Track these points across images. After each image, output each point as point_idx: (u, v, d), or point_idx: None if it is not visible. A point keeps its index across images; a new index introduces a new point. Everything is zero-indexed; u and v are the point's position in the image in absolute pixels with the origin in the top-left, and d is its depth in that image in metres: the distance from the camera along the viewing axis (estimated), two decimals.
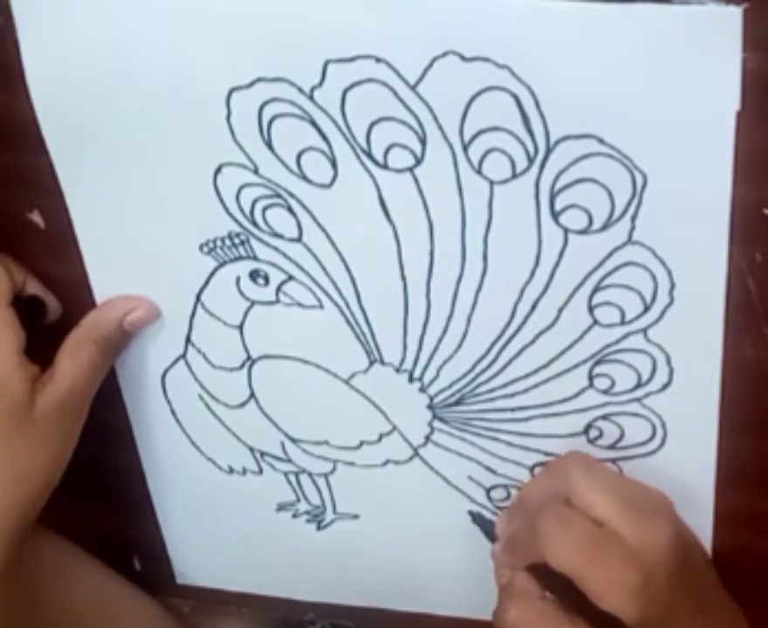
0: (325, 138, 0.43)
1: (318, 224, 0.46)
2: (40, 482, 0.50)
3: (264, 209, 0.46)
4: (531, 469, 0.52)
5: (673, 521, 0.46)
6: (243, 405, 0.54)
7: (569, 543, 0.45)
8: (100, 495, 0.60)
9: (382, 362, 0.50)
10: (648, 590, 0.44)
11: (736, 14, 0.36)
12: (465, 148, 0.42)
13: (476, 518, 0.53)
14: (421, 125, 0.42)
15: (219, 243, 0.48)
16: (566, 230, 0.43)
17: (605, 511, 0.45)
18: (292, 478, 0.56)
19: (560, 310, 0.46)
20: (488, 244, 0.45)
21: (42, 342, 0.50)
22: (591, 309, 0.45)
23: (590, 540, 0.45)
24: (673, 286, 0.44)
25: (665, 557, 0.45)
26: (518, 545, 0.48)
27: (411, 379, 0.50)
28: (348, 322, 0.49)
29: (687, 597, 0.46)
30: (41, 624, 0.55)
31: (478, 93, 0.40)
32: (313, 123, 0.43)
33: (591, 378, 0.48)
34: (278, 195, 0.46)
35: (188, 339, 0.52)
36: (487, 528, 0.51)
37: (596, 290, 0.45)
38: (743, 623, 0.50)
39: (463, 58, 0.40)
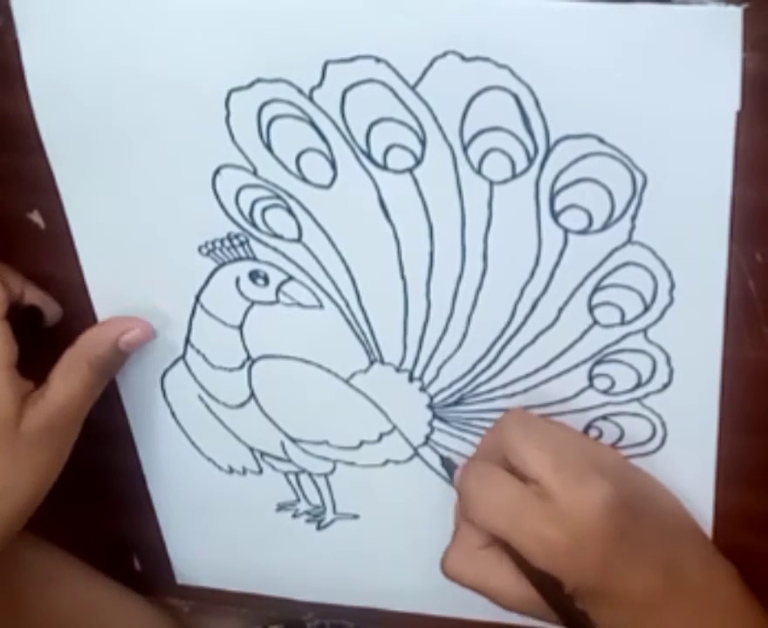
0: (324, 139, 0.43)
1: (318, 225, 0.46)
2: (24, 498, 0.49)
3: (264, 210, 0.46)
4: None
5: (615, 480, 0.45)
6: (242, 405, 0.54)
7: (490, 503, 0.45)
8: (100, 496, 0.60)
9: (382, 362, 0.50)
10: (580, 553, 0.43)
11: (736, 14, 0.36)
12: (465, 148, 0.42)
13: (446, 463, 0.52)
14: (420, 125, 0.42)
15: (218, 244, 0.48)
16: (566, 230, 0.43)
17: (537, 469, 0.44)
18: (292, 478, 0.56)
19: (560, 310, 0.46)
20: (488, 244, 0.45)
21: (41, 343, 0.50)
22: (591, 309, 0.45)
23: (511, 500, 0.44)
24: (673, 286, 0.44)
25: (597, 518, 0.44)
26: (458, 499, 0.48)
27: (411, 379, 0.50)
28: (348, 322, 0.49)
29: (635, 560, 0.45)
30: None
31: (478, 93, 0.40)
32: (313, 124, 0.43)
33: (591, 378, 0.48)
34: (278, 196, 0.46)
35: (187, 340, 0.52)
36: (452, 474, 0.51)
37: (596, 290, 0.45)
38: (734, 587, 0.49)
39: (463, 58, 0.40)
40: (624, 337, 0.46)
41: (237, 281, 0.49)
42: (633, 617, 0.45)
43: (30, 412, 0.48)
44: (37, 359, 0.50)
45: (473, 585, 0.48)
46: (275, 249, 0.48)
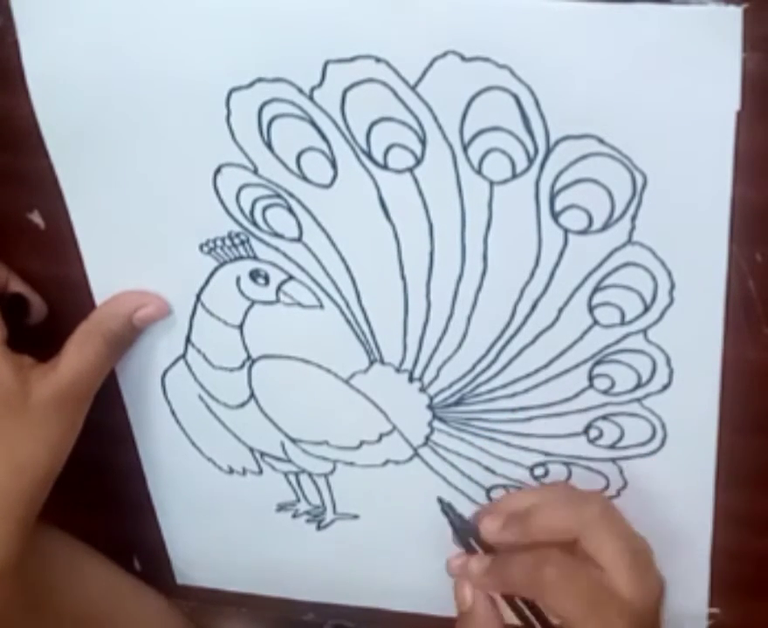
0: (324, 138, 0.43)
1: (318, 224, 0.46)
2: (41, 472, 0.50)
3: (264, 209, 0.46)
4: (531, 469, 0.52)
5: (659, 576, 0.48)
6: (243, 405, 0.54)
7: (573, 595, 0.46)
8: (100, 495, 0.60)
9: (382, 362, 0.50)
10: None
11: (736, 14, 0.36)
12: (465, 148, 0.42)
13: (446, 508, 0.52)
14: (421, 125, 0.42)
15: (219, 243, 0.48)
16: (566, 230, 0.43)
17: (611, 562, 0.46)
18: (292, 478, 0.56)
19: (560, 311, 0.46)
20: (488, 244, 0.45)
21: (39, 342, 0.50)
22: (591, 309, 0.45)
23: (592, 591, 0.46)
24: (673, 286, 0.44)
25: (653, 614, 0.47)
26: (509, 574, 0.48)
27: (411, 379, 0.50)
28: (348, 322, 0.49)
29: None
30: (53, 621, 0.55)
31: (478, 93, 0.40)
32: (313, 123, 0.43)
33: (591, 378, 0.48)
34: (278, 195, 0.46)
35: (188, 339, 0.52)
36: (456, 523, 0.51)
37: (596, 290, 0.45)
38: None
39: (463, 58, 0.40)
40: (624, 337, 0.46)
41: (238, 280, 0.49)
42: None
43: (40, 384, 0.49)
44: (38, 360, 0.50)
45: None
46: (275, 249, 0.48)
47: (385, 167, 0.43)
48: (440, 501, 0.52)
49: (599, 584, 0.46)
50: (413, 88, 0.41)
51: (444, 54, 0.40)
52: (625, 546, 0.47)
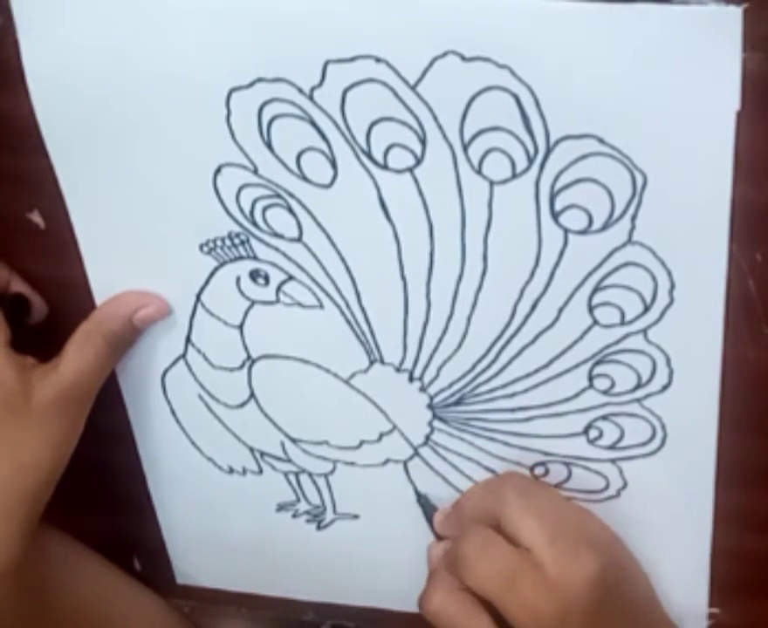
0: (324, 138, 0.43)
1: (318, 224, 0.46)
2: (44, 473, 0.50)
3: (264, 209, 0.46)
4: (531, 469, 0.52)
5: (604, 556, 0.47)
6: (243, 405, 0.54)
7: (486, 568, 0.46)
8: (100, 495, 0.60)
9: (382, 362, 0.50)
10: (563, 623, 0.45)
11: (736, 14, 0.36)
12: (465, 148, 0.42)
13: (422, 500, 0.53)
14: (421, 125, 0.42)
15: (219, 243, 0.48)
16: (566, 230, 0.43)
17: (531, 539, 0.46)
18: (292, 478, 0.56)
19: (560, 310, 0.46)
20: (488, 244, 0.45)
21: (39, 342, 0.50)
22: (591, 309, 0.45)
23: (507, 566, 0.46)
24: (673, 286, 0.44)
25: (583, 593, 0.45)
26: (441, 556, 0.51)
27: (411, 379, 0.50)
28: (348, 322, 0.49)
29: None
30: (53, 622, 0.55)
31: (478, 93, 0.40)
32: (313, 123, 0.43)
33: (591, 378, 0.48)
34: (278, 195, 0.46)
35: (188, 339, 0.52)
36: (429, 513, 0.53)
37: (596, 290, 0.45)
38: None
39: (463, 58, 0.40)
40: (624, 337, 0.46)
41: (238, 280, 0.49)
42: None
43: (42, 384, 0.49)
44: (37, 360, 0.50)
45: (450, 626, 0.49)
46: (275, 249, 0.48)
47: (385, 167, 0.43)
48: (416, 493, 0.54)
49: (518, 561, 0.46)
50: (413, 88, 0.41)
51: (444, 54, 0.40)
52: (543, 522, 0.46)
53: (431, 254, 0.46)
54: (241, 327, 0.51)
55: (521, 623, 0.46)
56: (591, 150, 0.41)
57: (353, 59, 0.41)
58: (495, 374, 0.49)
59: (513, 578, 0.46)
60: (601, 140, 0.40)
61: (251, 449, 0.56)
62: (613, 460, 0.50)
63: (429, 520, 0.53)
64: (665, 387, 0.47)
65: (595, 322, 0.46)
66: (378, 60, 0.41)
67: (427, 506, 0.53)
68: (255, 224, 0.47)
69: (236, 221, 0.47)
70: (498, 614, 0.47)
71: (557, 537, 0.46)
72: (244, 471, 0.57)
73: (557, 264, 0.44)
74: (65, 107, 0.46)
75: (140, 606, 0.62)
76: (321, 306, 0.49)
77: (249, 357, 0.52)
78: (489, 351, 0.48)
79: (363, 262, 0.47)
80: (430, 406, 0.51)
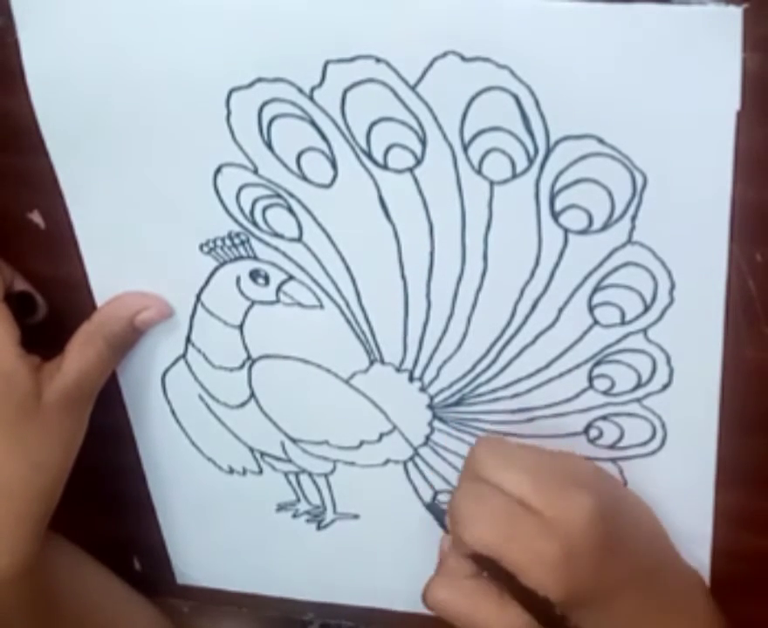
0: (325, 138, 0.43)
1: (319, 224, 0.46)
2: (56, 471, 0.51)
3: (264, 209, 0.46)
4: None
5: (595, 491, 0.46)
6: (243, 405, 0.54)
7: (483, 521, 0.45)
8: (100, 495, 0.60)
9: (382, 362, 0.50)
10: (570, 565, 0.44)
11: (736, 14, 0.36)
12: (465, 148, 0.42)
13: (431, 507, 0.53)
14: (421, 125, 0.42)
15: (219, 243, 0.48)
16: (566, 230, 0.43)
17: (516, 488, 0.45)
18: (292, 478, 0.56)
19: (560, 311, 0.46)
20: (488, 244, 0.45)
21: (39, 342, 0.50)
22: (591, 309, 0.45)
23: (504, 516, 0.45)
24: (673, 286, 0.44)
25: (584, 530, 0.44)
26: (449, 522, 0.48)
27: (411, 379, 0.50)
28: (348, 322, 0.49)
29: (620, 569, 0.45)
30: (55, 627, 0.55)
31: (478, 93, 0.40)
32: (313, 123, 0.43)
33: (591, 378, 0.48)
34: (278, 195, 0.46)
35: (188, 339, 0.52)
36: (440, 516, 0.52)
37: (596, 290, 0.45)
38: (702, 595, 0.50)
39: (463, 58, 0.40)
40: (624, 337, 0.46)
41: (238, 280, 0.49)
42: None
43: (48, 385, 0.49)
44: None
45: (458, 616, 0.47)
46: (275, 249, 0.48)
47: (385, 167, 0.44)
48: (424, 505, 0.54)
49: (515, 507, 0.45)
50: (413, 88, 0.41)
51: (444, 54, 0.40)
52: (524, 471, 0.45)
53: (431, 254, 0.46)
54: (241, 327, 0.51)
55: (526, 570, 0.44)
56: (591, 150, 0.41)
57: (353, 59, 0.41)
58: (495, 374, 0.49)
59: (512, 526, 0.44)
60: (601, 140, 0.40)
61: (251, 449, 0.56)
62: (613, 460, 0.50)
63: (442, 522, 0.52)
64: (665, 387, 0.47)
65: (595, 322, 0.46)
66: (378, 60, 0.41)
67: (436, 510, 0.52)
68: (255, 224, 0.47)
69: (236, 220, 0.47)
70: (515, 590, 0.46)
71: (541, 483, 0.45)
72: (244, 471, 0.57)
73: (557, 264, 0.44)
74: (65, 107, 0.46)
75: (136, 614, 0.62)
76: (321, 306, 0.49)
77: (249, 357, 0.52)
78: (489, 351, 0.48)
79: (363, 261, 0.47)
80: (430, 407, 0.51)
